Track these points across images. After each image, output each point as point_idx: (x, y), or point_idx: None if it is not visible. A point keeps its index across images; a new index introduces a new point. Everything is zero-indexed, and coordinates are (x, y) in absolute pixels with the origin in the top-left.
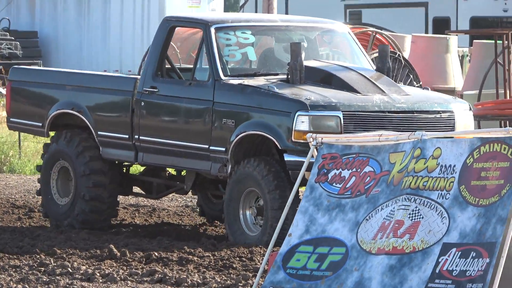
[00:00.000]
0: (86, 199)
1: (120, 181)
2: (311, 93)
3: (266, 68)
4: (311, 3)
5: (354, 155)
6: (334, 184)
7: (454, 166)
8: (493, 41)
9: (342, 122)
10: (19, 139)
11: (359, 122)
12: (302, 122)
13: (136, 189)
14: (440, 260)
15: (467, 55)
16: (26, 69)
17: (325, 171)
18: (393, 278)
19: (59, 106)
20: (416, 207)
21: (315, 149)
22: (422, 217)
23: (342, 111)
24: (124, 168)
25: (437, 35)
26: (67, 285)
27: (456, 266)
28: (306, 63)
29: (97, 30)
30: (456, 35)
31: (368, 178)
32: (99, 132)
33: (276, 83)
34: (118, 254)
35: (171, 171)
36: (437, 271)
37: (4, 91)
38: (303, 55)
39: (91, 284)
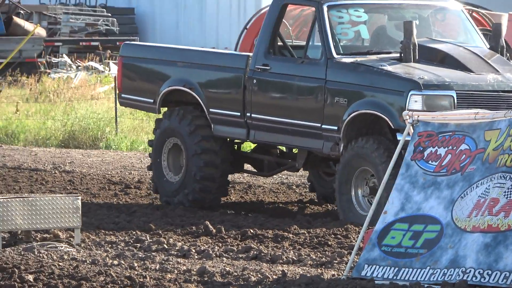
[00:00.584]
0: (197, 178)
1: (231, 160)
2: (424, 72)
3: (378, 47)
4: None
5: (450, 133)
6: (430, 162)
7: None
8: None
9: (455, 101)
10: (115, 116)
11: (472, 101)
12: (415, 102)
13: (247, 167)
14: None
15: None
16: (138, 45)
17: (421, 148)
18: (488, 256)
19: (170, 82)
20: (511, 185)
21: (411, 127)
22: None
23: (455, 91)
24: (235, 146)
25: None
26: (163, 261)
27: None
28: (419, 41)
29: (193, 8)
30: None
31: (464, 156)
32: (210, 110)
33: (389, 62)
34: (214, 230)
35: (282, 148)
36: None
37: (101, 67)
38: (415, 34)
39: (186, 261)
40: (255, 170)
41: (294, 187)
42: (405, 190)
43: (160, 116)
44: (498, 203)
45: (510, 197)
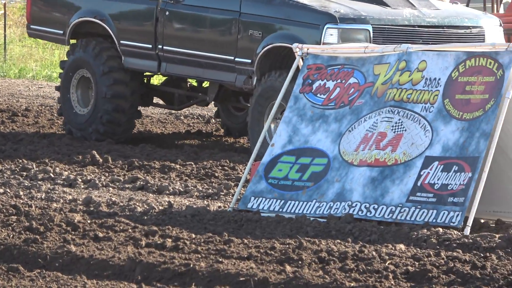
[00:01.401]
0: (107, 110)
1: (141, 92)
2: (340, 5)
3: None
4: None
5: (340, 66)
6: (318, 95)
7: (439, 79)
8: None
9: (371, 35)
10: (4, 43)
11: (388, 36)
12: (331, 35)
13: (157, 100)
14: (422, 173)
15: None
16: None
17: (310, 81)
18: (374, 190)
19: (81, 14)
20: (399, 120)
21: (300, 59)
22: (405, 130)
23: (371, 25)
24: (145, 79)
25: None
26: (49, 191)
27: (438, 180)
28: None
29: None
30: None
31: (352, 89)
32: (121, 41)
33: None
34: (101, 160)
35: (193, 82)
36: (418, 184)
37: None
38: None
39: (72, 190)
40: (164, 104)
41: (182, 117)
42: (293, 123)
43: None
44: (385, 137)
45: (397, 131)
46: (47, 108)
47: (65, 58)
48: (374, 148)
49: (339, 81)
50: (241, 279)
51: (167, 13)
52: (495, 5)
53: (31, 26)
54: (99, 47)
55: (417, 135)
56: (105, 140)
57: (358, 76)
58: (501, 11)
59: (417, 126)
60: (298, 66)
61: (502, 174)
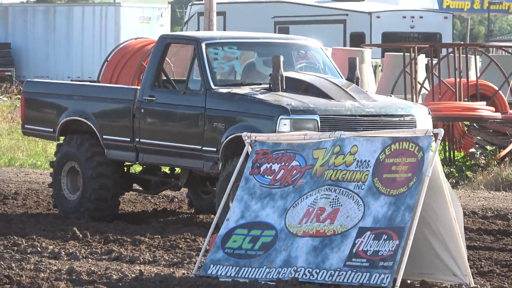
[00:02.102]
0: (91, 199)
1: (122, 183)
2: (291, 99)
3: (250, 79)
4: (246, 20)
5: (283, 151)
6: (265, 176)
7: (369, 161)
8: (402, 54)
9: (319, 124)
10: None
11: (333, 124)
12: (284, 125)
13: (135, 186)
14: (356, 241)
15: (380, 66)
16: (39, 81)
17: (258, 164)
18: (316, 257)
19: (68, 113)
20: (336, 196)
21: (249, 146)
22: (341, 205)
23: (319, 115)
24: (125, 168)
25: (354, 48)
26: (37, 262)
27: (370, 247)
28: (285, 74)
29: (61, 43)
30: (370, 48)
31: (295, 171)
32: (104, 136)
33: (260, 91)
34: (81, 235)
35: (166, 169)
36: (354, 251)
37: None
38: (282, 67)
39: (57, 261)
40: (141, 189)
41: (149, 197)
42: (245, 200)
43: (61, 141)
44: (324, 212)
45: (334, 206)
46: (33, 192)
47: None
48: (315, 221)
49: (283, 164)
50: None
51: (142, 110)
52: (414, 96)
53: (26, 126)
54: (80, 139)
55: (351, 209)
56: (92, 217)
57: (299, 160)
58: (420, 101)
59: (351, 201)
60: (247, 152)
61: (425, 242)
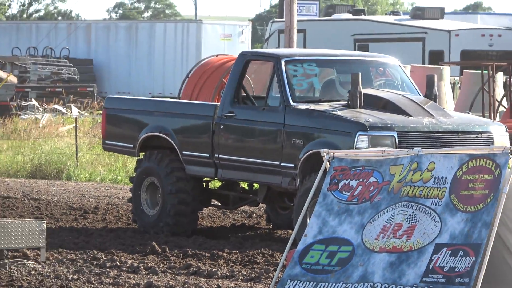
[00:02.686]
0: (171, 214)
1: (201, 198)
2: (369, 116)
3: (329, 96)
4: (326, 37)
5: (361, 168)
6: (343, 192)
7: (446, 177)
8: (480, 71)
9: (396, 141)
10: (76, 151)
11: (411, 141)
12: (362, 141)
13: (214, 201)
14: (433, 258)
15: (458, 83)
16: (119, 98)
17: (336, 181)
18: (392, 273)
19: (148, 129)
20: (413, 212)
21: (327, 162)
22: (418, 221)
23: (396, 131)
24: (204, 184)
25: (433, 65)
26: (116, 276)
27: (446, 263)
28: (364, 90)
29: (143, 59)
30: (449, 65)
31: (372, 187)
32: (183, 152)
33: (339, 108)
34: (159, 250)
35: (244, 185)
36: (430, 267)
37: (63, 109)
38: (361, 83)
39: (136, 276)
40: (220, 204)
41: (227, 213)
42: (322, 216)
43: (141, 157)
44: (401, 228)
45: (411, 222)
46: (113, 207)
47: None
48: (392, 237)
49: (361, 180)
50: None
51: (221, 126)
52: (491, 114)
53: (106, 142)
54: (161, 154)
55: (428, 225)
56: (171, 232)
57: (377, 176)
58: (497, 118)
59: (428, 217)
60: (325, 168)
61: (501, 258)
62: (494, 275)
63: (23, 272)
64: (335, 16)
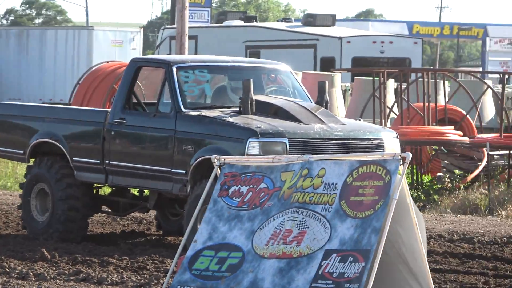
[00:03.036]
0: (61, 220)
1: (91, 205)
2: (261, 122)
3: (220, 102)
4: (217, 44)
5: (251, 174)
6: (234, 198)
7: (336, 184)
8: (371, 78)
9: (288, 147)
10: None
11: (302, 147)
12: (253, 147)
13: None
14: (322, 263)
15: (349, 90)
16: (9, 104)
17: (227, 187)
18: (282, 279)
19: (38, 135)
20: (303, 218)
21: (218, 168)
22: (308, 227)
23: (288, 138)
24: (94, 190)
25: (324, 72)
26: (5, 283)
27: (336, 269)
28: (255, 97)
29: (34, 65)
30: (340, 72)
31: (263, 193)
32: (74, 158)
33: (230, 114)
34: (49, 256)
35: (135, 191)
36: (320, 273)
37: None
38: (252, 90)
39: (25, 282)
40: (110, 211)
41: (117, 219)
42: (212, 222)
43: (31, 163)
44: (291, 234)
45: (301, 228)
46: (2, 213)
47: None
48: (282, 243)
49: (251, 186)
50: None
51: (112, 132)
52: (383, 120)
53: None
54: (51, 160)
55: (318, 231)
56: (61, 239)
57: (267, 182)
58: (388, 125)
59: (318, 223)
60: (216, 174)
61: (391, 264)
62: (384, 282)
63: None
64: (227, 22)
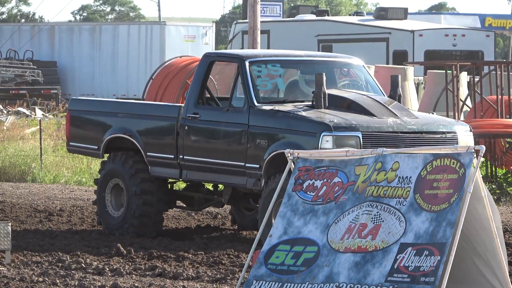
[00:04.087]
0: (136, 215)
1: (166, 199)
2: (334, 116)
3: (293, 96)
4: (290, 38)
5: (325, 168)
6: (308, 193)
7: (410, 177)
8: (444, 71)
9: (361, 141)
10: (40, 153)
11: (375, 141)
12: (326, 141)
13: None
14: (398, 257)
15: (422, 83)
16: (84, 99)
17: (301, 181)
18: (358, 273)
19: (112, 131)
20: (377, 212)
21: (292, 163)
22: (383, 221)
23: (361, 132)
24: (169, 185)
25: (397, 66)
26: (81, 278)
27: (411, 263)
28: (328, 91)
29: (107, 61)
30: (413, 66)
31: (337, 187)
32: (148, 153)
33: (303, 108)
34: (125, 252)
35: (209, 186)
36: (395, 266)
37: (27, 111)
38: (325, 84)
39: (101, 278)
40: (185, 206)
41: (193, 214)
42: (287, 217)
43: (105, 158)
44: (366, 228)
45: (376, 222)
46: (78, 208)
47: (97, 168)
48: (357, 237)
49: (325, 180)
50: None
51: (186, 127)
52: (456, 113)
53: (70, 143)
54: (125, 156)
55: (393, 225)
56: (136, 234)
57: (341, 176)
58: (461, 118)
59: (392, 217)
60: (290, 169)
61: (466, 257)
62: (459, 275)
63: None
64: (299, 17)
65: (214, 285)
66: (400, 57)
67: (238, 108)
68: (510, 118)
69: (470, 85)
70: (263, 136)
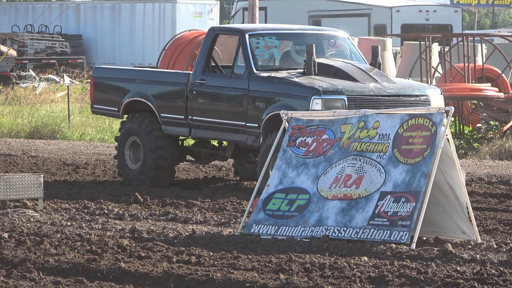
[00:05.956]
0: (151, 168)
1: (177, 154)
2: (322, 82)
3: (287, 64)
4: (284, 14)
5: (315, 126)
6: (300, 148)
7: (389, 134)
8: (418, 42)
9: (346, 103)
10: (68, 114)
11: (359, 103)
12: (316, 104)
13: (188, 157)
14: (378, 204)
15: (399, 53)
16: (105, 68)
17: (294, 138)
18: (344, 217)
19: (130, 95)
20: (361, 165)
21: (286, 122)
22: (365, 172)
23: (346, 95)
24: (180, 142)
25: (377, 37)
26: (104, 223)
27: (390, 208)
28: (317, 60)
29: (126, 34)
30: (391, 38)
31: (325, 143)
32: (161, 114)
33: (296, 75)
34: (142, 199)
35: (214, 143)
36: (376, 212)
37: (57, 78)
38: (315, 54)
39: (121, 222)
40: (194, 160)
41: (200, 167)
42: (283, 169)
43: (124, 119)
44: (351, 178)
45: (359, 173)
46: (101, 162)
47: (117, 127)
48: (343, 186)
49: (315, 137)
50: (247, 285)
51: (194, 92)
52: (428, 79)
53: (94, 106)
54: (142, 116)
55: (374, 176)
56: (151, 184)
57: (329, 133)
58: (433, 83)
59: (374, 169)
60: (285, 127)
61: (438, 204)
62: (431, 218)
63: (24, 220)
64: None
65: (219, 228)
66: (380, 30)
67: (239, 75)
68: (475, 83)
69: (440, 54)
70: (261, 99)
